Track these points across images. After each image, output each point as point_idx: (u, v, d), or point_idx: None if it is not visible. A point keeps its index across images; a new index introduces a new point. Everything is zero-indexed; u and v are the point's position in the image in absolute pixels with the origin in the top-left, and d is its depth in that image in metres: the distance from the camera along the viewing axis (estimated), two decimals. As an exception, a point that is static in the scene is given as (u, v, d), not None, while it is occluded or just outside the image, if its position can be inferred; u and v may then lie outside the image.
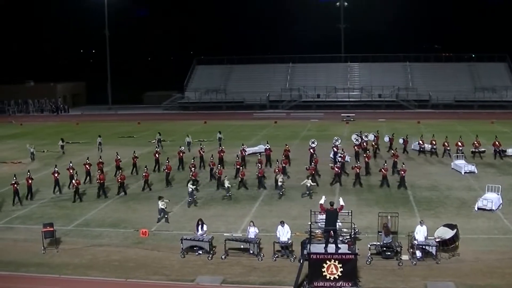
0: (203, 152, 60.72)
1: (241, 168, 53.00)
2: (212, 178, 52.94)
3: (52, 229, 35.43)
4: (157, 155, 59.64)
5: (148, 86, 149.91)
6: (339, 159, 54.95)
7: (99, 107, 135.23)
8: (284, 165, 54.39)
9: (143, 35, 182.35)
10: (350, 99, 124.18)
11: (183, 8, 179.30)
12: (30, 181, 48.44)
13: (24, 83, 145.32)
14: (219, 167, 51.85)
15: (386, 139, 68.08)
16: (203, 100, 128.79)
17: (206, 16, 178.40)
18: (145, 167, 52.02)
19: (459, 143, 62.43)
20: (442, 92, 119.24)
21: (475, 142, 63.38)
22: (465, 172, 54.52)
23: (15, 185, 46.64)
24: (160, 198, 41.50)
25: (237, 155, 57.18)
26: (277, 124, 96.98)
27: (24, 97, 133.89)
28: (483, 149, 63.37)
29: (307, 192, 46.86)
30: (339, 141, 64.02)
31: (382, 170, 50.61)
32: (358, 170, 50.52)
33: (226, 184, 47.21)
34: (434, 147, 63.72)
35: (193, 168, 51.53)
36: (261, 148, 65.29)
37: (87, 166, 53.72)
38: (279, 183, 47.43)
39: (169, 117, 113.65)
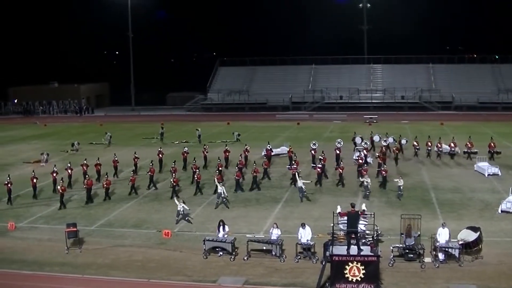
0: (207, 152, 61.09)
1: (221, 170, 52.69)
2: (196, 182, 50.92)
3: (75, 229, 35.78)
4: (160, 155, 59.80)
5: (171, 87, 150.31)
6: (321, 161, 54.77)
7: (123, 108, 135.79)
8: (265, 166, 54.86)
9: (166, 37, 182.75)
10: (373, 101, 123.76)
11: (206, 10, 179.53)
12: (35, 180, 49.00)
13: (48, 84, 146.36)
14: (198, 172, 50.70)
15: (376, 138, 69.24)
16: (226, 101, 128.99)
17: (229, 17, 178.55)
18: (132, 171, 52.10)
19: (452, 144, 63.18)
20: (466, 93, 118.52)
21: (468, 143, 63.56)
22: (488, 174, 54.13)
23: (8, 185, 47.28)
24: (179, 200, 41.69)
25: (218, 158, 57.24)
26: (300, 126, 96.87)
27: (48, 98, 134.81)
28: (475, 150, 63.44)
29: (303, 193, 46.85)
30: (341, 143, 64.24)
31: (362, 170, 50.80)
32: (384, 173, 50.61)
33: (300, 183, 46.99)
34: (473, 149, 63.51)
35: (236, 169, 51.57)
36: (283, 149, 65.26)
37: (84, 167, 53.67)
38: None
39: (192, 118, 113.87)
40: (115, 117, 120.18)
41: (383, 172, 50.35)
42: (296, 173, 50.02)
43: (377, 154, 58.20)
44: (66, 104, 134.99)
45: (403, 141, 66.04)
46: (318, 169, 52.00)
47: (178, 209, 40.95)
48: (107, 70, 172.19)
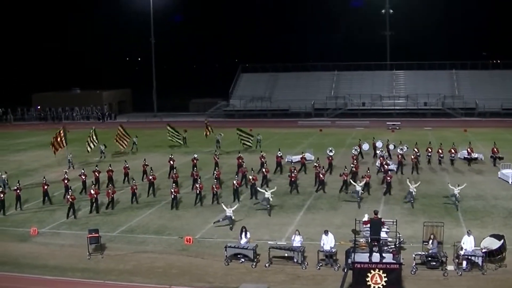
0: (218, 158, 61.03)
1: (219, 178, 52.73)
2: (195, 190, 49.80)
3: (97, 235, 35.97)
4: (171, 162, 59.72)
5: (193, 93, 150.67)
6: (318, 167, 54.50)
7: (145, 114, 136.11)
8: (266, 173, 54.69)
9: (189, 43, 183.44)
10: (396, 107, 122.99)
11: (228, 16, 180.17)
12: (45, 187, 49.11)
13: (70, 90, 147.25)
14: (199, 181, 49.53)
15: (379, 144, 69.21)
16: (248, 107, 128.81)
17: (252, 24, 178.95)
18: (133, 179, 51.56)
19: (452, 150, 62.97)
20: (489, 100, 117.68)
21: (468, 149, 63.50)
22: (512, 182, 53.73)
23: (18, 191, 47.53)
24: (227, 205, 41.56)
25: (216, 167, 57.09)
26: (322, 132, 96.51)
27: (70, 105, 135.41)
28: (475, 156, 63.66)
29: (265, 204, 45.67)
30: (358, 150, 64.24)
31: (343, 175, 50.93)
32: (389, 178, 50.56)
33: (358, 187, 46.85)
34: (473, 155, 63.74)
35: (236, 176, 51.18)
36: (308, 156, 64.94)
37: (96, 173, 53.84)
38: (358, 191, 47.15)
39: (214, 124, 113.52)
40: (137, 123, 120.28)
41: (388, 178, 50.32)
42: (346, 179, 50.66)
43: (380, 160, 58.02)
44: (89, 110, 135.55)
45: (404, 148, 65.74)
46: (321, 176, 51.98)
47: (227, 214, 40.73)
48: (130, 76, 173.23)
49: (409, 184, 46.78)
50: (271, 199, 45.08)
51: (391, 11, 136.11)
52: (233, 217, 41.09)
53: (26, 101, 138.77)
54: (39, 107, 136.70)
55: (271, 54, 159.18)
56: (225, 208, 41.25)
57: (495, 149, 62.98)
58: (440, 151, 63.21)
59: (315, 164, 54.72)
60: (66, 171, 55.19)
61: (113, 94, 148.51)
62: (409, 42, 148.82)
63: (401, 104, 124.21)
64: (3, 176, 54.91)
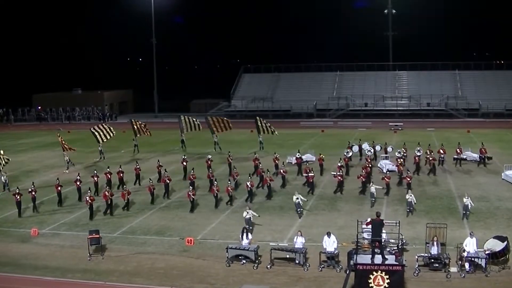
0: (231, 159, 60.74)
1: (233, 180, 52.41)
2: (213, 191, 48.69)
3: (98, 236, 35.87)
4: (184, 163, 59.37)
5: (194, 94, 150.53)
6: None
7: (146, 115, 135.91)
8: (284, 174, 54.33)
9: (190, 44, 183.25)
10: (398, 108, 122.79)
11: (230, 17, 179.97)
12: (59, 188, 48.96)
13: (71, 91, 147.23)
14: (215, 183, 49.17)
15: (365, 146, 68.47)
16: (250, 108, 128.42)
17: (254, 24, 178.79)
18: (150, 179, 51.33)
19: (441, 151, 62.48)
20: (493, 100, 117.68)
21: (457, 149, 63.38)
22: (516, 183, 53.46)
23: (33, 193, 47.21)
24: (247, 208, 41.15)
25: (234, 167, 57.25)
26: (324, 133, 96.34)
27: (71, 105, 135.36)
28: (464, 157, 63.65)
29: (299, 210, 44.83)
30: (372, 151, 64.14)
31: (361, 177, 50.65)
32: (409, 179, 50.11)
33: (373, 189, 46.54)
34: (462, 156, 63.64)
35: (249, 177, 50.65)
36: (308, 157, 64.87)
37: (108, 175, 53.58)
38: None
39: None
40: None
41: (408, 179, 49.86)
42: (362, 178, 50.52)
43: (398, 162, 57.52)
44: (89, 111, 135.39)
45: (389, 149, 65.51)
46: (339, 177, 51.59)
47: (247, 217, 39.91)
48: (131, 76, 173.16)
49: (407, 194, 46.07)
50: (301, 202, 44.49)
51: (394, 11, 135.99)
52: (252, 219, 40.04)
53: (27, 101, 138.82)
54: (39, 107, 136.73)
55: (273, 55, 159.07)
56: (247, 212, 40.53)
57: (483, 150, 63.06)
58: (428, 151, 62.58)
59: (338, 164, 54.49)
60: (65, 171, 55.03)
61: (114, 95, 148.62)
62: (412, 43, 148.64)
63: (404, 104, 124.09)
64: (2, 177, 54.75)
